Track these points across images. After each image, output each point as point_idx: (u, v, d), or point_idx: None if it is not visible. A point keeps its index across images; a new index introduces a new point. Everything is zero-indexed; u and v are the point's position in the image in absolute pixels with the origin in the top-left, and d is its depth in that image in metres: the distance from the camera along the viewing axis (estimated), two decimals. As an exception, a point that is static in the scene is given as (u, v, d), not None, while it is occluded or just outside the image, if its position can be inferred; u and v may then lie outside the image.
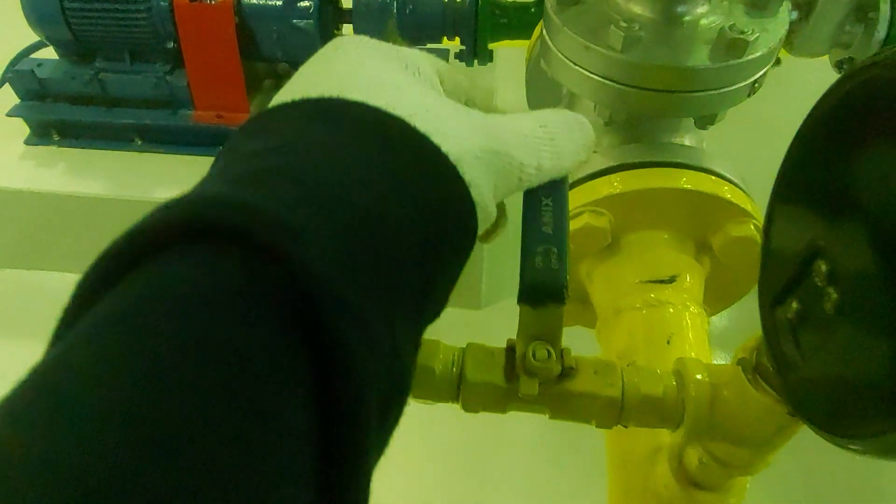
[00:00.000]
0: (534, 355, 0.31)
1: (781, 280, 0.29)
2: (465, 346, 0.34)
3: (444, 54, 1.04)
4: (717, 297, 0.54)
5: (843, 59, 0.98)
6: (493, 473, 0.85)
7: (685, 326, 0.47)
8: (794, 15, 0.93)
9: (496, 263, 0.98)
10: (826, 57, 0.99)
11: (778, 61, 1.01)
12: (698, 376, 0.33)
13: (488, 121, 0.26)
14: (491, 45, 0.94)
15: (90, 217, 0.92)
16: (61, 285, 0.98)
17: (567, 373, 0.32)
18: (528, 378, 0.31)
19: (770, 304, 0.30)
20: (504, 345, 0.33)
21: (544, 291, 0.30)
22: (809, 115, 0.27)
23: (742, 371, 0.31)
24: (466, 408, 0.34)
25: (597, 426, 0.33)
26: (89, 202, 0.90)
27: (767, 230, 0.31)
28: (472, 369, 0.33)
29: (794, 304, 0.28)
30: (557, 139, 0.28)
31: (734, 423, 0.32)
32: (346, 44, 0.27)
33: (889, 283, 0.23)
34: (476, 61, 0.95)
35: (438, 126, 0.23)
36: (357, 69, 0.25)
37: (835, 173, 0.26)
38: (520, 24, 0.93)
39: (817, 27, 0.93)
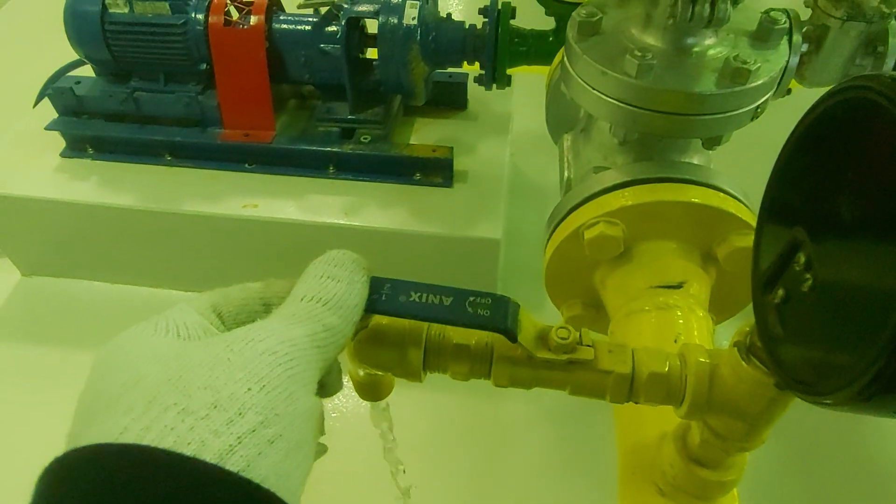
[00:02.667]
0: (557, 334, 0.38)
1: (769, 271, 0.35)
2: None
3: (463, 78, 1.12)
4: (722, 307, 0.60)
5: (852, 90, 1.05)
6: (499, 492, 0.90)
7: (692, 327, 0.53)
8: (805, 47, 1.00)
9: (510, 278, 1.04)
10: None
11: (788, 91, 1.09)
12: (700, 357, 0.39)
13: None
14: (509, 71, 1.02)
15: (121, 227, 0.99)
16: (90, 294, 1.05)
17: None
18: (552, 353, 0.38)
19: (761, 292, 0.36)
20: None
21: (505, 332, 0.36)
22: (797, 124, 0.34)
23: (737, 351, 0.37)
24: (496, 382, 0.40)
25: (610, 401, 0.39)
26: (120, 213, 0.97)
27: (759, 231, 0.37)
28: (501, 345, 0.39)
29: (780, 291, 0.35)
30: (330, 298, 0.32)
31: (731, 397, 0.38)
32: (96, 366, 0.29)
33: (849, 269, 0.29)
34: (495, 85, 1.02)
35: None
36: (95, 402, 0.27)
37: (813, 178, 0.33)
38: (538, 52, 1.01)
39: (828, 60, 1.00)
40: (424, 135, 1.08)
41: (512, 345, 0.39)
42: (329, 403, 0.93)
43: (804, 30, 0.99)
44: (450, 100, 1.12)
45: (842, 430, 0.93)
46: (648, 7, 0.54)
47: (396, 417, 0.98)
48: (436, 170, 1.00)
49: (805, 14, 1.00)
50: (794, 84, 1.03)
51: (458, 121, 1.12)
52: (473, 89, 1.10)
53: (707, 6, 0.51)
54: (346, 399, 0.97)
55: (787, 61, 0.55)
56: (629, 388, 0.39)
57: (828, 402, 0.30)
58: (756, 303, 0.36)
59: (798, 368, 0.33)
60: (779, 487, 0.84)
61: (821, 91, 1.00)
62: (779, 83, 1.01)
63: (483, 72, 1.02)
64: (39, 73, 1.04)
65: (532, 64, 1.02)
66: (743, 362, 0.37)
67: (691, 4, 0.51)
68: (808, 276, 0.32)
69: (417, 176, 1.01)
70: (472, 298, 0.36)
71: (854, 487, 0.87)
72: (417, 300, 0.35)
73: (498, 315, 0.36)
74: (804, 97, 1.02)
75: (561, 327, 0.38)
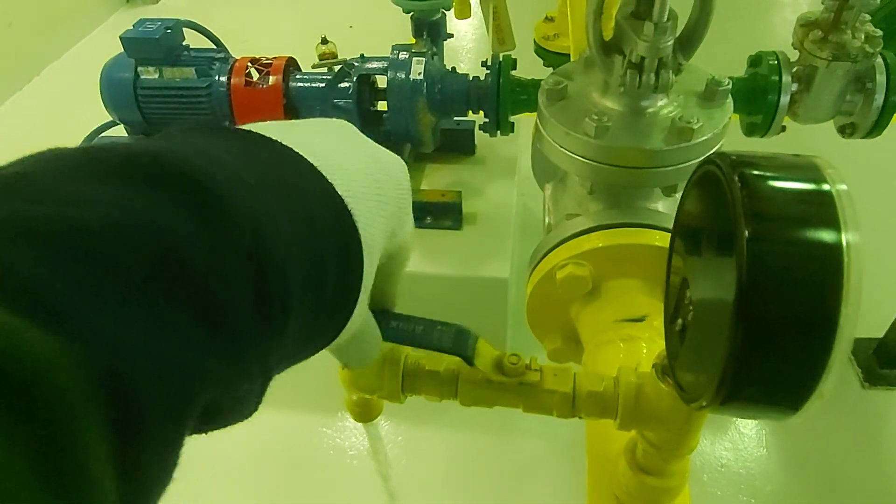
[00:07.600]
0: (509, 360, 0.49)
1: (673, 304, 0.46)
2: (462, 358, 0.52)
3: (470, 125, 1.25)
4: (690, 336, 0.71)
5: (846, 124, 1.16)
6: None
7: (653, 356, 0.63)
8: (795, 87, 1.11)
9: (520, 314, 1.15)
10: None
11: (783, 128, 1.20)
12: (630, 379, 0.50)
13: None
14: (512, 118, 1.14)
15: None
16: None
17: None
18: (506, 377, 0.49)
19: (669, 321, 0.47)
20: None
21: (463, 357, 0.47)
22: (684, 188, 0.45)
23: (655, 371, 0.48)
24: (462, 402, 0.51)
25: (556, 416, 0.51)
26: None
27: (668, 269, 0.48)
28: (465, 371, 0.51)
29: (679, 320, 0.46)
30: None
31: (654, 411, 0.49)
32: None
33: (705, 307, 0.41)
34: (499, 132, 1.15)
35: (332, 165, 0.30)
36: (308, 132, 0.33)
37: (691, 229, 0.44)
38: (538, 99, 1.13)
39: (818, 98, 1.11)
40: (434, 180, 1.21)
41: (473, 369, 0.50)
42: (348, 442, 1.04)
43: (794, 70, 1.10)
44: (458, 146, 1.25)
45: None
46: (605, 75, 0.66)
47: (412, 455, 1.09)
48: (445, 213, 1.13)
49: (794, 55, 1.11)
50: (787, 120, 1.14)
51: (467, 165, 1.24)
52: (481, 135, 1.22)
53: (652, 75, 0.63)
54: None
55: (730, 118, 0.66)
56: (571, 405, 0.50)
57: (704, 404, 0.41)
58: (666, 331, 0.47)
59: (689, 384, 0.44)
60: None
61: (814, 127, 1.12)
62: (771, 122, 1.12)
63: (487, 120, 1.15)
64: (74, 133, 1.19)
65: (533, 111, 1.14)
66: (659, 381, 0.48)
67: (638, 75, 0.63)
68: (690, 308, 0.43)
69: (428, 220, 1.13)
70: (439, 328, 0.47)
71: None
72: (395, 328, 0.47)
73: (459, 343, 0.47)
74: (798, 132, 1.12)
75: (512, 354, 0.50)
